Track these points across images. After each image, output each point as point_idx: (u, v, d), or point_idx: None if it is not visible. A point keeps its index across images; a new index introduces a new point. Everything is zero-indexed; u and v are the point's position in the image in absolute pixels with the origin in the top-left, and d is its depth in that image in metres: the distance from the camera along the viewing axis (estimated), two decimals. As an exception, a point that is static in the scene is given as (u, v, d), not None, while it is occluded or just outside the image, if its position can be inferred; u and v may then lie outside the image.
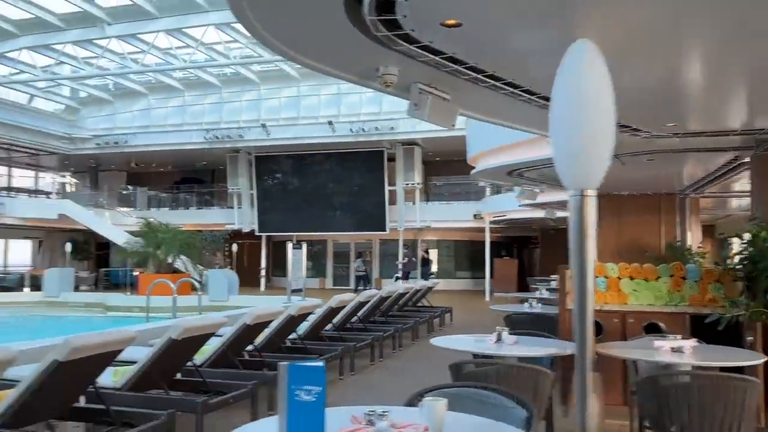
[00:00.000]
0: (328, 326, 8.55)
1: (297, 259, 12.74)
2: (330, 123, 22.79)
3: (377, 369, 8.27)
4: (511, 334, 4.69)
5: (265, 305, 12.00)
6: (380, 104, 22.80)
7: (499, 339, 4.57)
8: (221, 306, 14.95)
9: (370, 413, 2.13)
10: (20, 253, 29.83)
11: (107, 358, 4.52)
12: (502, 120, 5.39)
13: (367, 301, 9.41)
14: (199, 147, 24.87)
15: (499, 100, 4.13)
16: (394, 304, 10.98)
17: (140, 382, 5.17)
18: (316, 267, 28.41)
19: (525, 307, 8.20)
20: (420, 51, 3.13)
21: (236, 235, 24.96)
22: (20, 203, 23.57)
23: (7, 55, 20.12)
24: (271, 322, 6.73)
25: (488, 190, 21.43)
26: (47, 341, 6.38)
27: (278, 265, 28.70)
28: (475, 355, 4.70)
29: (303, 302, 7.56)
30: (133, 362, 5.18)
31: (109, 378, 5.04)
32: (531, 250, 29.26)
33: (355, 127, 22.50)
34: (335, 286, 26.96)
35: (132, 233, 24.72)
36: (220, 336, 6.17)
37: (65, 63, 21.41)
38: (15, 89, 23.78)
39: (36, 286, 22.15)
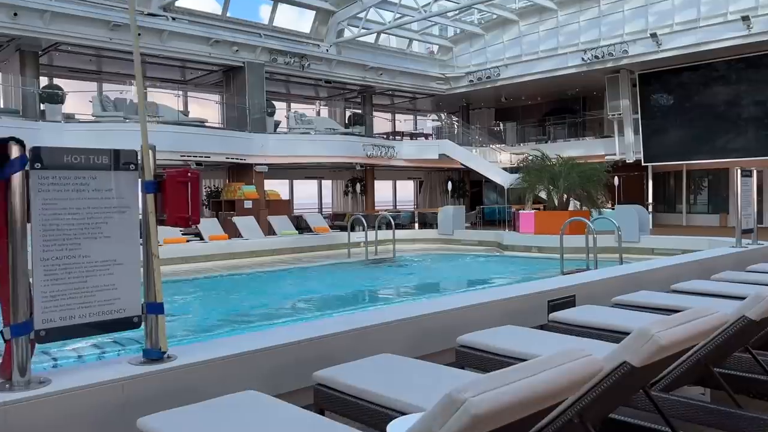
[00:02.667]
0: None
1: (747, 189, 9.66)
2: (745, 19, 18.05)
3: None
4: None
5: (718, 249, 9.43)
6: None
7: None
8: (634, 248, 12.77)
9: None
10: (405, 193, 32.25)
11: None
12: None
13: None
14: (575, 71, 22.57)
15: None
16: None
17: (679, 380, 3.39)
18: (715, 201, 24.06)
19: None
20: None
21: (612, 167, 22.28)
22: (407, 145, 24.75)
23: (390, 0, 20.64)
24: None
25: None
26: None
27: (660, 200, 25.23)
28: None
29: None
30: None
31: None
32: None
33: (784, 19, 17.38)
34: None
35: (505, 169, 24.19)
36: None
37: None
38: (396, 35, 24.76)
39: (422, 223, 23.23)
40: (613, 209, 15.95)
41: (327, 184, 27.74)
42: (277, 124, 22.13)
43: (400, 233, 18.01)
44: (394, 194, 31.15)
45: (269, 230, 17.25)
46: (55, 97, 16.92)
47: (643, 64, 21.45)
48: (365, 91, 25.51)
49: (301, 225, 18.31)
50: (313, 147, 20.94)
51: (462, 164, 25.49)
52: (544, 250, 13.73)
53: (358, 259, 13.91)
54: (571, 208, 15.36)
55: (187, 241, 14.84)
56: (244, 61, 20.24)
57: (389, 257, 13.96)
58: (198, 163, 18.33)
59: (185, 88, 23.38)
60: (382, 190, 30.63)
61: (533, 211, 16.11)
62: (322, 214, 26.93)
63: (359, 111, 26.12)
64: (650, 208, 23.16)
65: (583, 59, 21.90)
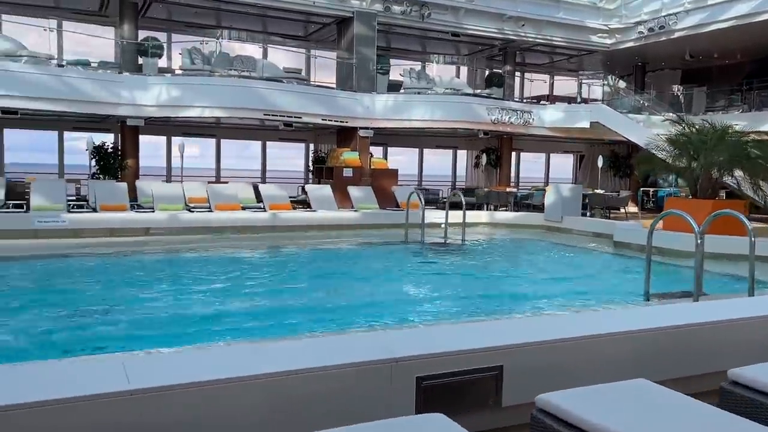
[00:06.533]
0: None
1: None
2: None
3: None
4: None
5: None
6: None
7: None
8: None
9: None
10: (563, 169, 28.11)
11: None
12: None
13: None
14: (780, 14, 16.90)
15: None
16: None
17: None
18: None
19: None
20: None
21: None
22: (550, 111, 20.79)
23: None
24: None
25: None
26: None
27: None
28: None
29: None
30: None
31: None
32: None
33: None
34: None
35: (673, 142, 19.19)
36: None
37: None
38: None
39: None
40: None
41: (462, 154, 24.82)
42: (397, 85, 19.64)
43: (503, 216, 14.84)
44: (546, 169, 27.15)
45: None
46: (145, 49, 16.27)
47: None
48: (507, 46, 21.91)
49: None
50: (425, 110, 18.16)
51: (623, 136, 20.88)
52: (667, 254, 9.76)
53: (416, 241, 11.13)
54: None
55: (243, 208, 13.25)
56: (354, 11, 18.04)
57: (456, 243, 10.99)
58: (287, 124, 16.69)
59: (308, 45, 21.95)
60: (532, 163, 26.93)
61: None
62: (454, 188, 24.25)
63: (499, 70, 22.61)
64: None
65: (793, -4, 16.22)
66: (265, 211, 13.18)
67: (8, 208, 12.61)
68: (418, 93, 18.56)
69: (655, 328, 3.49)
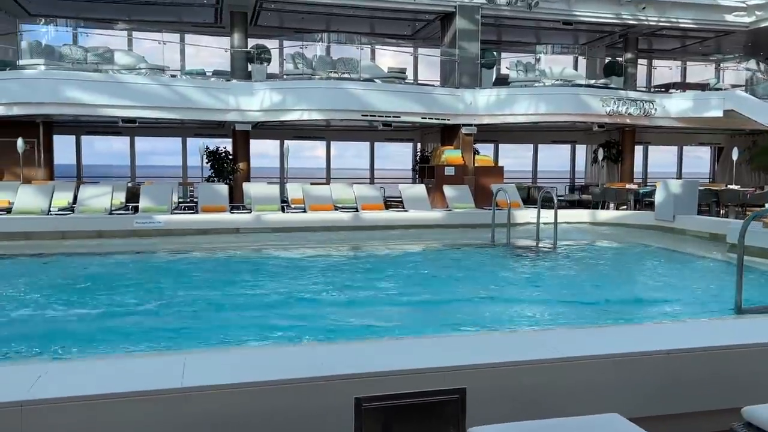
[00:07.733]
0: None
1: None
2: None
3: None
4: None
5: None
6: None
7: None
8: None
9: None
10: (697, 163, 25.69)
11: None
12: None
13: None
14: None
15: None
16: None
17: None
18: None
19: None
20: None
21: None
22: (676, 100, 18.94)
23: None
24: None
25: None
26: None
27: None
28: None
29: None
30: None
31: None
32: None
33: None
34: None
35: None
36: None
37: None
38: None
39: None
40: None
41: (581, 149, 23.39)
42: (505, 79, 18.89)
43: (604, 215, 13.70)
44: (679, 163, 24.88)
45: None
46: (252, 56, 16.94)
47: None
48: (627, 32, 20.28)
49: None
50: (530, 104, 17.26)
51: (764, 125, 18.54)
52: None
53: (504, 243, 10.51)
54: None
55: (336, 208, 13.32)
56: (456, 5, 17.57)
57: (546, 246, 10.24)
58: (386, 124, 16.61)
59: (415, 44, 21.76)
60: (660, 158, 24.83)
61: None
62: (573, 186, 23.00)
63: (619, 58, 20.98)
64: None
65: None
66: (357, 211, 13.18)
67: (127, 209, 13.68)
68: (524, 86, 17.69)
69: (658, 350, 2.88)
